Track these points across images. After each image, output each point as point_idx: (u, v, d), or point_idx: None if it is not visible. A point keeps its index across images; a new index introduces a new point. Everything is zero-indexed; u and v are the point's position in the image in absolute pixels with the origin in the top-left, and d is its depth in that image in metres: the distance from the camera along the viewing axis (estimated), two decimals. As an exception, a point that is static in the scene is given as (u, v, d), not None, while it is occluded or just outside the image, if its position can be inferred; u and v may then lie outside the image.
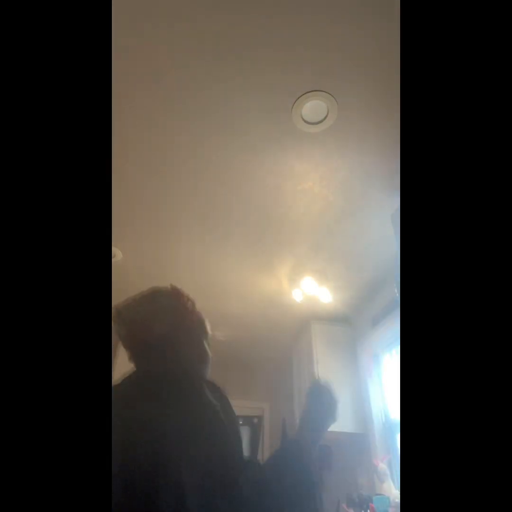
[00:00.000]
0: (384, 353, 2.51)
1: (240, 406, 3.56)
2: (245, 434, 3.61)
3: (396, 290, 1.98)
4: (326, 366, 2.59)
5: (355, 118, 1.46)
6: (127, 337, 0.83)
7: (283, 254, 2.23)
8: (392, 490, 1.98)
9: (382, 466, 2.03)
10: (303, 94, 1.36)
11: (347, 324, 2.84)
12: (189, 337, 0.84)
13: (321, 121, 1.46)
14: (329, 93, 1.36)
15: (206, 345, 0.87)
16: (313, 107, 1.40)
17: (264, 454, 3.31)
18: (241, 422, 3.59)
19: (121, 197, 1.81)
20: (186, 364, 0.81)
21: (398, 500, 1.89)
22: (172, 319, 0.83)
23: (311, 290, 2.36)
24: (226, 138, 1.54)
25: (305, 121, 1.46)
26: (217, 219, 1.97)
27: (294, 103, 1.39)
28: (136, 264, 2.32)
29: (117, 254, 2.21)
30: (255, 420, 3.51)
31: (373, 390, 2.46)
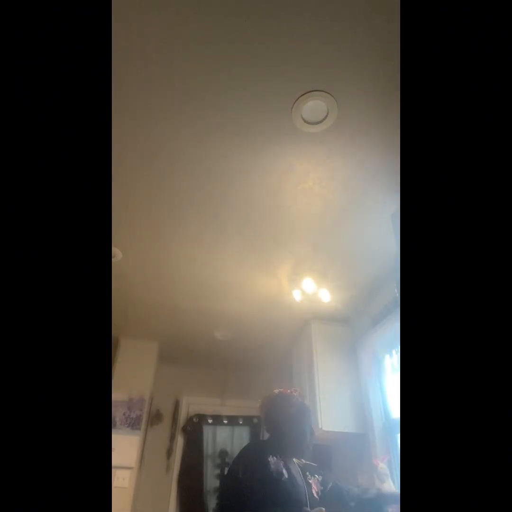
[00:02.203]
0: (384, 353, 2.50)
1: (240, 406, 3.55)
2: (245, 434, 3.60)
3: (396, 290, 1.98)
4: (326, 366, 2.58)
5: (355, 118, 1.46)
6: (269, 420, 1.53)
7: (283, 254, 2.23)
8: (392, 490, 1.98)
9: (382, 466, 2.03)
10: (303, 94, 1.36)
11: (347, 324, 2.84)
12: (304, 420, 1.53)
13: (321, 121, 1.46)
14: (329, 93, 1.36)
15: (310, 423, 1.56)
16: (313, 107, 1.40)
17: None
18: (240, 422, 3.58)
19: (121, 197, 1.81)
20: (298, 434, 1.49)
21: (398, 500, 1.89)
22: (296, 414, 1.51)
23: (311, 290, 2.35)
24: (226, 138, 1.54)
25: (305, 121, 1.46)
26: (217, 219, 1.97)
27: (294, 103, 1.39)
28: (136, 264, 2.32)
29: (117, 254, 2.21)
30: (255, 420, 3.50)
31: (373, 390, 2.46)
